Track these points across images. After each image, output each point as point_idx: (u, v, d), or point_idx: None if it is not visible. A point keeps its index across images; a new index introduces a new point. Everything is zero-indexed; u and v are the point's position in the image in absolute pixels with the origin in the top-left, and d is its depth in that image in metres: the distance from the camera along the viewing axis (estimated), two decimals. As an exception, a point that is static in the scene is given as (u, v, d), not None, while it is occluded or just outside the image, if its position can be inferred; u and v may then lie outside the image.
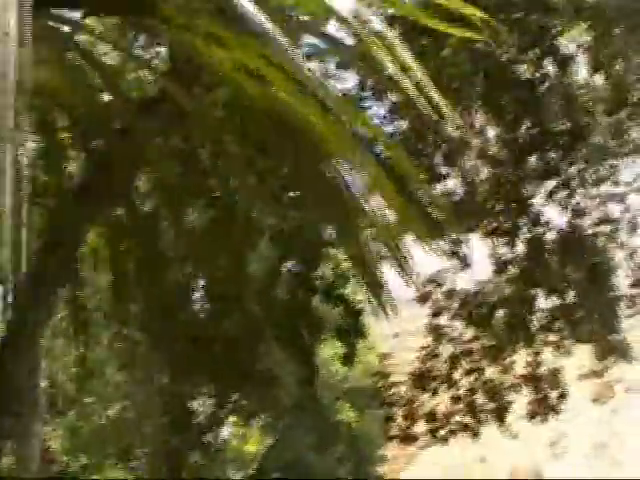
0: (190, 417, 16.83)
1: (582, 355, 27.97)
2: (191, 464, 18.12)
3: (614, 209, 15.99)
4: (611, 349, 15.30)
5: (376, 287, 6.79)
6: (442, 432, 14.69)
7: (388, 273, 6.76)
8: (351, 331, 13.91)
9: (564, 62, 13.56)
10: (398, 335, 23.16)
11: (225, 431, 21.63)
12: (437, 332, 14.11)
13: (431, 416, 14.35)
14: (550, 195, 13.95)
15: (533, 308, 14.70)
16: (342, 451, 23.08)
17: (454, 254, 13.58)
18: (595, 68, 14.10)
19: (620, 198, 15.94)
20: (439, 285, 14.00)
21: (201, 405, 18.00)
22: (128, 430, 20.15)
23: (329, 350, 23.76)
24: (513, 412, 26.60)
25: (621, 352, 15.28)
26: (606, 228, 15.77)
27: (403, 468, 27.07)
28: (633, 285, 16.15)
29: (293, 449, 21.76)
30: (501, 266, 13.57)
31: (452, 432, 14.70)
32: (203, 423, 17.59)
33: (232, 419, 21.27)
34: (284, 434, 21.94)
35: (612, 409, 26.84)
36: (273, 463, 22.16)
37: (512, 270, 13.97)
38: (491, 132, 13.44)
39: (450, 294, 13.92)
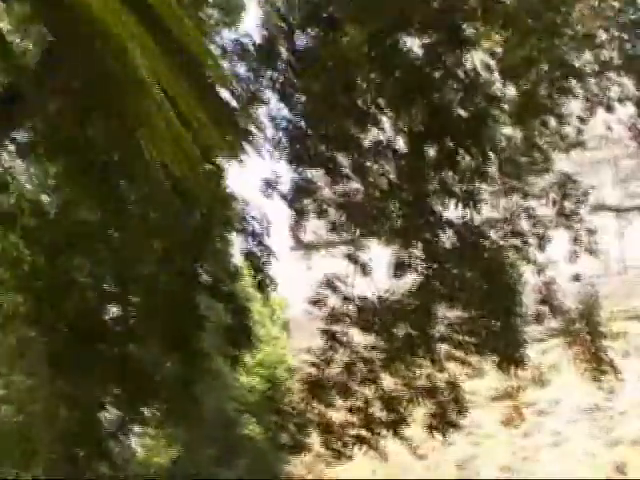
0: (94, 425, 16.07)
1: (494, 376, 27.81)
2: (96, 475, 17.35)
3: (523, 223, 15.59)
4: (513, 363, 14.70)
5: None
6: (338, 444, 13.90)
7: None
8: (237, 331, 13.20)
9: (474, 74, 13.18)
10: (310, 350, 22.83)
11: (133, 441, 20.98)
12: (333, 339, 13.37)
13: (326, 427, 13.58)
14: (457, 204, 13.42)
15: (434, 319, 14.06)
16: (246, 465, 22.32)
17: (353, 259, 12.90)
18: (505, 77, 13.63)
19: (529, 212, 15.52)
20: (335, 290, 13.28)
21: (107, 414, 17.25)
22: (27, 437, 19.29)
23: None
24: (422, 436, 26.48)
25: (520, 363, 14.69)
26: (515, 241, 15.32)
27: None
28: (541, 302, 15.67)
29: (196, 462, 21.05)
30: (401, 273, 12.91)
31: (346, 445, 13.89)
32: (108, 432, 16.82)
33: (141, 429, 20.63)
34: (188, 446, 21.20)
35: (524, 432, 26.51)
36: (178, 476, 21.42)
37: (413, 278, 13.31)
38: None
39: (347, 300, 13.20)
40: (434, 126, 11.61)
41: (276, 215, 14.05)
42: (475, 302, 14.33)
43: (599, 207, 30.44)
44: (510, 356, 14.58)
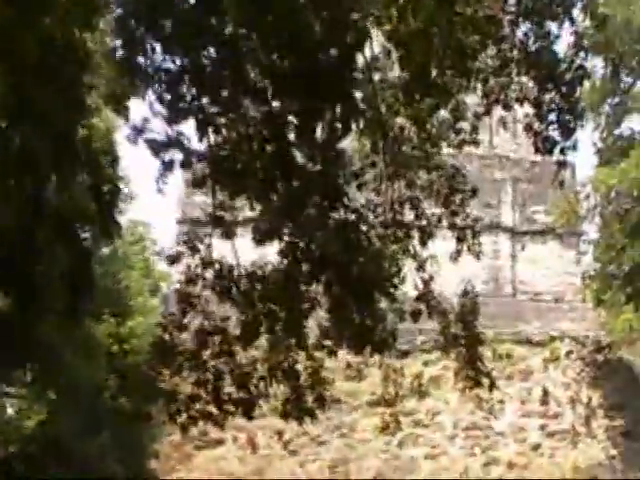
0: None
1: (374, 381, 27.43)
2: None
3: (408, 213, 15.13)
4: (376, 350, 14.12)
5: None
6: (182, 417, 13.12)
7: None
8: (78, 276, 12.46)
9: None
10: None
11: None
12: (186, 302, 12.62)
13: (171, 396, 12.80)
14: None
15: (300, 298, 13.42)
16: (109, 439, 21.44)
17: (217, 219, 12.21)
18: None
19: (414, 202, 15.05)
20: (195, 250, 12.55)
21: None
22: None
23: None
24: (295, 430, 25.91)
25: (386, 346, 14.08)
26: (398, 233, 14.84)
27: (175, 468, 25.73)
28: (418, 299, 15.18)
29: (59, 430, 20.15)
30: (263, 238, 12.25)
31: (193, 419, 13.11)
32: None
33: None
34: (53, 413, 20.31)
35: (399, 441, 26.06)
36: (39, 441, 20.47)
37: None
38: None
39: (207, 262, 12.48)
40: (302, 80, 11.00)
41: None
42: (342, 285, 13.64)
43: (494, 227, 30.43)
44: (373, 345, 13.90)
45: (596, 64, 30.19)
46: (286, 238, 12.51)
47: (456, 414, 26.64)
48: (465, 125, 15.72)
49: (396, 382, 27.04)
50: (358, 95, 13.51)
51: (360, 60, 12.96)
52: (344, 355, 27.29)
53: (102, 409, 21.32)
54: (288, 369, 13.46)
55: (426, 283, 14.85)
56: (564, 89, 12.90)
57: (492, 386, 15.36)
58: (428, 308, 14.83)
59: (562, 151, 13.50)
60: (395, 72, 14.04)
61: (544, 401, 26.95)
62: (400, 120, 14.55)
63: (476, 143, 15.01)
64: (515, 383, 27.42)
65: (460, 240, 15.07)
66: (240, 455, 25.97)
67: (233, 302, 12.92)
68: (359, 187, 14.30)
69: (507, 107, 14.06)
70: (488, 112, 14.51)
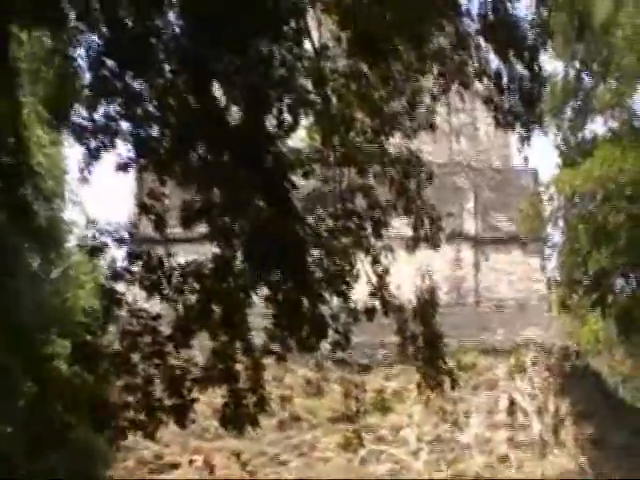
0: None
1: (335, 397, 26.42)
2: None
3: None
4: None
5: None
6: (110, 429, 11.98)
7: None
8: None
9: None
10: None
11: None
12: (110, 299, 11.52)
13: (96, 406, 11.66)
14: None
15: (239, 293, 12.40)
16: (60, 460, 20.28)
17: (143, 206, 11.13)
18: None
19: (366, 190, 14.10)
20: (120, 241, 11.47)
21: None
22: None
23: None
24: (253, 451, 24.83)
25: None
26: (349, 224, 13.85)
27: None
28: (372, 294, 14.18)
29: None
30: (191, 220, 11.20)
31: (121, 430, 11.97)
32: None
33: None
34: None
35: (361, 458, 24.97)
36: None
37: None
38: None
39: (133, 255, 11.40)
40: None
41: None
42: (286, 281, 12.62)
43: (457, 236, 29.60)
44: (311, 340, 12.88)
45: (557, 67, 29.55)
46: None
47: (420, 428, 25.67)
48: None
49: (357, 397, 26.12)
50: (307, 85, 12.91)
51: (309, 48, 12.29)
52: (304, 372, 27.08)
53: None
54: (225, 370, 12.36)
55: (381, 277, 13.84)
56: (526, 54, 12.00)
57: (454, 385, 14.33)
58: (383, 305, 13.82)
59: (525, 125, 12.62)
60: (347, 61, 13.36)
61: (511, 411, 26.02)
62: (352, 110, 13.70)
63: (432, 127, 13.99)
64: (480, 394, 26.55)
65: (417, 229, 14.05)
66: (197, 478, 24.78)
67: (164, 298, 11.84)
68: (305, 175, 13.34)
69: (465, 85, 13.06)
70: (445, 92, 13.51)
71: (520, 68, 12.23)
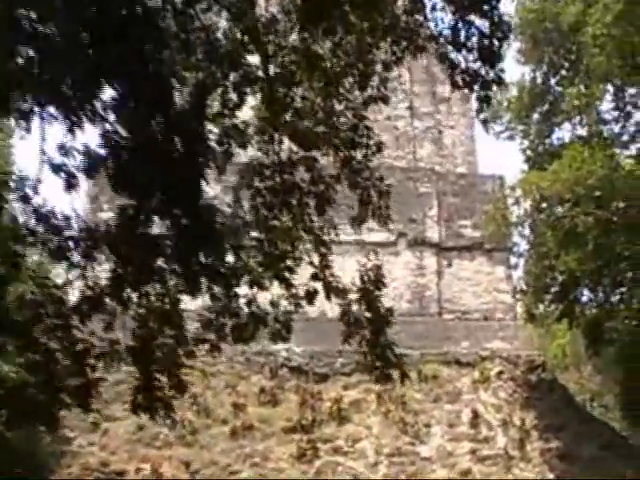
0: None
1: (290, 406, 25.19)
2: None
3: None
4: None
5: None
6: (11, 412, 10.92)
7: None
8: None
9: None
10: None
11: None
12: (10, 261, 10.38)
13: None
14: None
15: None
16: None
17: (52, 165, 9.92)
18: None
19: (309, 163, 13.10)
20: (26, 200, 10.27)
21: None
22: None
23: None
24: (203, 460, 23.54)
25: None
26: (290, 199, 12.90)
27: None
28: (314, 277, 13.26)
29: None
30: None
31: (16, 415, 10.89)
32: None
33: None
34: None
35: (317, 470, 23.73)
36: None
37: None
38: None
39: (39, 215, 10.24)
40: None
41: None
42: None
43: (419, 243, 28.62)
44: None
45: (525, 72, 28.78)
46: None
47: (379, 440, 24.48)
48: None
49: (314, 407, 24.95)
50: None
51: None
52: (258, 379, 25.87)
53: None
54: (139, 347, 11.30)
55: (324, 256, 12.79)
56: (485, 6, 11.00)
57: (404, 377, 13.26)
58: (325, 287, 12.80)
59: (484, 85, 11.61)
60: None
61: (474, 424, 24.90)
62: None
63: (384, 100, 12.92)
64: (442, 405, 25.47)
65: (364, 203, 13.00)
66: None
67: (70, 263, 10.72)
68: (243, 145, 12.34)
69: (421, 49, 12.07)
70: (399, 61, 12.50)
71: (479, 22, 11.22)
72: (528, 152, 28.40)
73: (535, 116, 28.57)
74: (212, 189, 13.90)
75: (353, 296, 13.12)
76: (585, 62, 24.00)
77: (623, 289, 25.36)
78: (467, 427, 24.94)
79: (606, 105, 25.51)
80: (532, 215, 24.70)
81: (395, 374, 13.62)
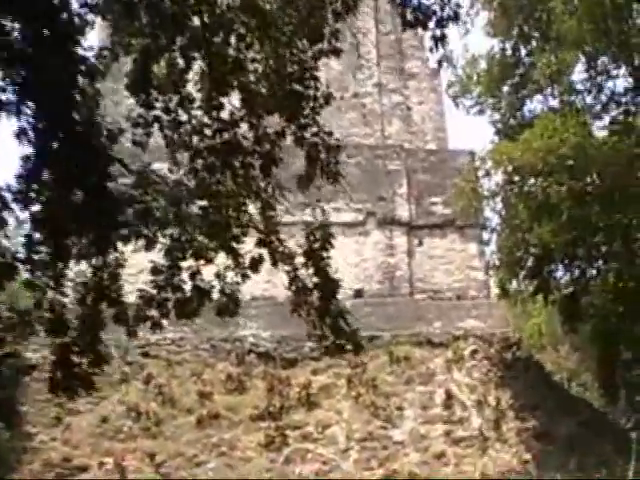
0: None
1: (257, 393, 24.27)
2: None
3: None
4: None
5: None
6: None
7: None
8: None
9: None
10: None
11: None
12: None
13: None
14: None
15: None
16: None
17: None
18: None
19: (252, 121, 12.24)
20: None
21: None
22: None
23: None
24: (168, 451, 22.62)
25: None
26: (232, 161, 12.03)
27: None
28: (259, 243, 12.41)
29: None
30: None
31: None
32: None
33: None
34: None
35: (286, 458, 22.81)
36: None
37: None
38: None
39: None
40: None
41: None
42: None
43: (389, 221, 27.79)
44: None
45: (494, 45, 27.88)
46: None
47: (350, 425, 23.60)
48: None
49: (282, 393, 24.04)
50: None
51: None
52: (224, 366, 24.92)
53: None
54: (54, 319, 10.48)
55: (269, 219, 11.89)
56: None
57: (357, 348, 12.35)
58: (271, 253, 11.87)
59: (440, 23, 10.69)
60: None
61: (448, 405, 24.03)
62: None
63: (336, 52, 11.99)
64: (415, 387, 24.63)
65: (312, 159, 12.07)
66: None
67: None
68: (181, 103, 11.45)
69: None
70: (350, 10, 11.59)
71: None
72: (499, 125, 27.47)
73: (505, 89, 27.65)
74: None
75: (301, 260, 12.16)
76: (555, 28, 23.05)
77: (599, 263, 24.56)
78: (441, 409, 24.10)
79: (578, 75, 24.53)
80: (504, 188, 23.78)
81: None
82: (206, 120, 11.59)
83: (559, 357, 33.59)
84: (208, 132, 11.52)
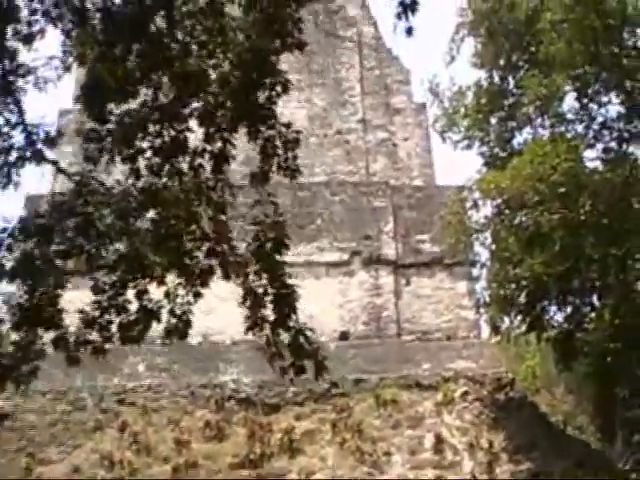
0: None
1: (237, 440, 23.03)
2: None
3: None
4: None
5: None
6: None
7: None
8: None
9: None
10: None
11: None
12: None
13: None
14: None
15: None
16: None
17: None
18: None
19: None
20: None
21: None
22: None
23: None
24: None
25: None
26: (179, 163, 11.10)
27: None
28: (209, 253, 11.44)
29: None
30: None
31: None
32: None
33: None
34: None
35: None
36: None
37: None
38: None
39: None
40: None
41: None
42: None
43: (375, 260, 26.78)
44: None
45: (480, 76, 27.01)
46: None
47: (334, 471, 22.36)
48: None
49: (263, 439, 22.83)
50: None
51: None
52: (203, 413, 23.79)
53: None
54: None
55: (219, 224, 10.83)
56: None
57: (320, 371, 11.21)
58: (221, 264, 10.63)
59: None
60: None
61: (438, 449, 22.75)
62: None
63: (300, 46, 11.04)
64: (403, 431, 23.40)
65: (267, 155, 11.06)
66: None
67: None
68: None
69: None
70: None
71: None
72: (487, 157, 26.48)
73: (493, 121, 26.70)
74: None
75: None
76: (544, 52, 22.12)
77: (594, 298, 23.44)
78: (430, 453, 22.81)
79: (568, 102, 23.52)
80: (493, 220, 22.71)
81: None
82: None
83: (554, 399, 32.47)
84: (152, 129, 10.49)
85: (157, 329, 25.85)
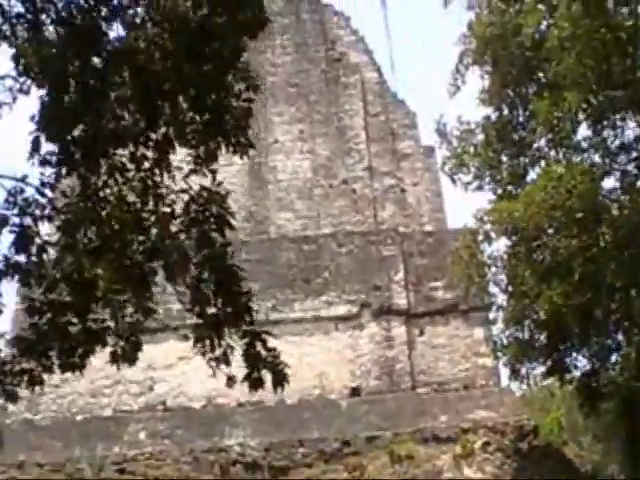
0: None
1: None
2: None
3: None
4: None
5: None
6: None
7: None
8: None
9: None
10: None
11: None
12: None
13: None
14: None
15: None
16: None
17: None
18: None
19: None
20: None
21: None
22: None
23: None
24: None
25: None
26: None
27: None
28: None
29: None
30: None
31: None
32: None
33: None
34: None
35: None
36: None
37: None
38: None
39: None
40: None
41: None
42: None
43: (386, 311, 25.31)
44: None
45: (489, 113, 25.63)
46: None
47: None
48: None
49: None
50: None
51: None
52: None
53: None
54: None
55: (163, 216, 9.42)
56: None
57: (280, 380, 9.84)
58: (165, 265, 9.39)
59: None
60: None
61: (458, 504, 20.89)
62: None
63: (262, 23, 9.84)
64: (416, 488, 21.52)
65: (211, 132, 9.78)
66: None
67: None
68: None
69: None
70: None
71: None
72: (499, 194, 24.97)
73: (504, 159, 25.25)
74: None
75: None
76: (553, 71, 20.74)
77: (618, 334, 21.70)
78: (449, 508, 21.02)
79: (582, 133, 22.05)
80: (506, 252, 21.19)
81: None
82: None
83: (582, 450, 30.70)
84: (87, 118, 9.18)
85: (159, 397, 24.80)
